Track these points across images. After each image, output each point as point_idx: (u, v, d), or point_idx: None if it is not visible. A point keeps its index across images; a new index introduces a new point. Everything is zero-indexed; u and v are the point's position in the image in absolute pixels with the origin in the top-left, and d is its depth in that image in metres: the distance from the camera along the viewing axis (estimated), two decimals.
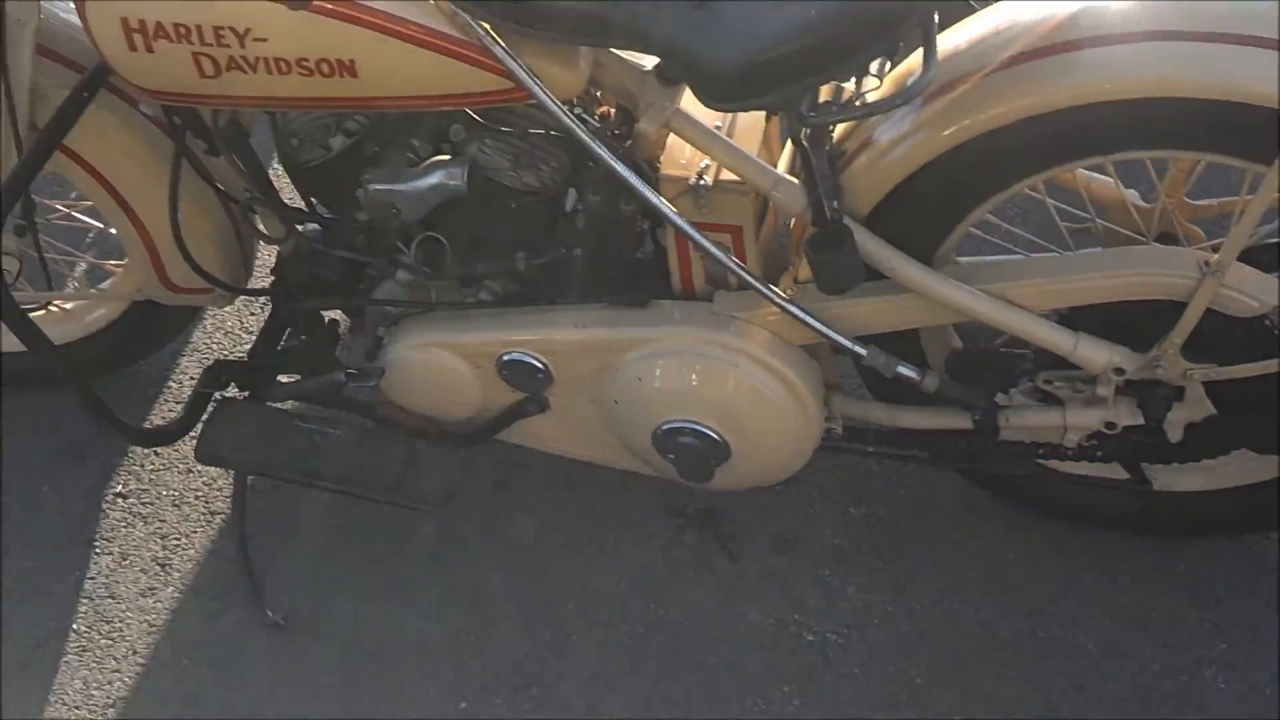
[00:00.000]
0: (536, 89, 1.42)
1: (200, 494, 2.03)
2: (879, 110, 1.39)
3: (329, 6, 1.40)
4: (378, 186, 1.57)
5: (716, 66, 1.30)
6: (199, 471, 2.06)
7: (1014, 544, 1.85)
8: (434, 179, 1.56)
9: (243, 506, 1.88)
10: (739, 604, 1.82)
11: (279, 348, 1.84)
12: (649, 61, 1.51)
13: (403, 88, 1.47)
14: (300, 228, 1.75)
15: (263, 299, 2.20)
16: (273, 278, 1.87)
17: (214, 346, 2.25)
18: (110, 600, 1.89)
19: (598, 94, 1.59)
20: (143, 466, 2.07)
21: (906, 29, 1.29)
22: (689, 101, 1.45)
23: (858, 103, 1.42)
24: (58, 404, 2.12)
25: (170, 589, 1.90)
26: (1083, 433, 1.62)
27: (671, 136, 1.52)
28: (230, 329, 2.28)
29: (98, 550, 1.95)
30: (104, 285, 2.10)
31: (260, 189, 1.71)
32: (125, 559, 1.94)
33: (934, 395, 1.58)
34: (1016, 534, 1.86)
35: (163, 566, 1.92)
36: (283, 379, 1.85)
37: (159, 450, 2.09)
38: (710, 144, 1.50)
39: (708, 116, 1.49)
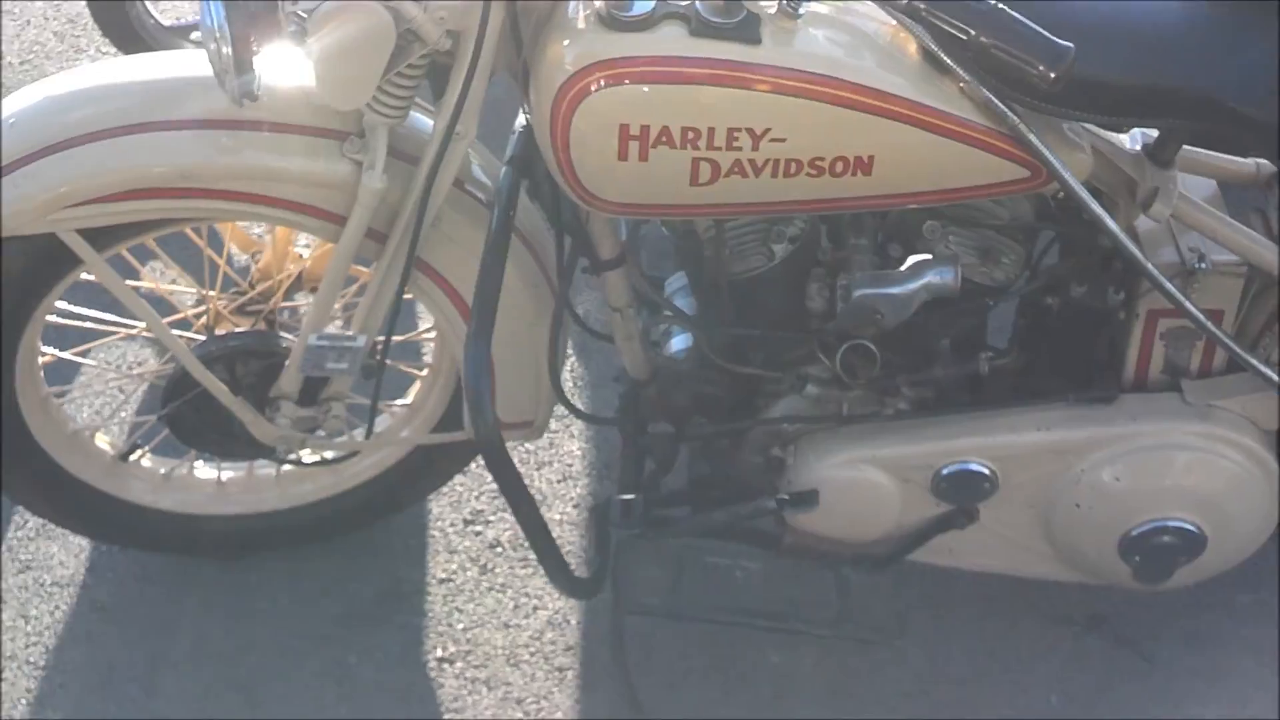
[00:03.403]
0: (1068, 177, 1.35)
1: (533, 649, 1.84)
2: None
3: (869, 101, 1.31)
4: (864, 292, 1.46)
5: None
6: (518, 625, 1.87)
7: None
8: (924, 279, 1.46)
9: (625, 659, 1.70)
10: (1182, 703, 1.73)
11: (666, 478, 1.70)
12: (1122, 139, 1.46)
13: (917, 183, 1.39)
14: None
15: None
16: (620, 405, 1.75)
17: (457, 488, 2.06)
18: None
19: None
20: (451, 626, 1.87)
21: None
22: None
23: None
24: (312, 568, 1.91)
25: None
26: None
27: None
28: (469, 468, 2.10)
29: None
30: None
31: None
32: None
33: None
34: None
35: None
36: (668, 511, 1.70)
37: (461, 607, 1.89)
38: (1220, 227, 1.46)
39: None
